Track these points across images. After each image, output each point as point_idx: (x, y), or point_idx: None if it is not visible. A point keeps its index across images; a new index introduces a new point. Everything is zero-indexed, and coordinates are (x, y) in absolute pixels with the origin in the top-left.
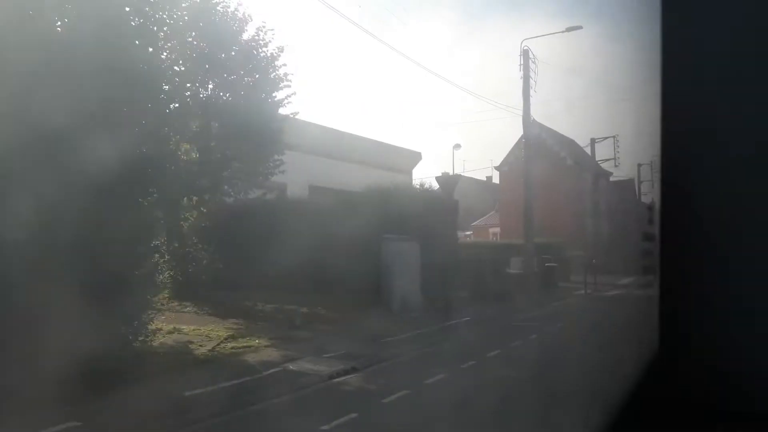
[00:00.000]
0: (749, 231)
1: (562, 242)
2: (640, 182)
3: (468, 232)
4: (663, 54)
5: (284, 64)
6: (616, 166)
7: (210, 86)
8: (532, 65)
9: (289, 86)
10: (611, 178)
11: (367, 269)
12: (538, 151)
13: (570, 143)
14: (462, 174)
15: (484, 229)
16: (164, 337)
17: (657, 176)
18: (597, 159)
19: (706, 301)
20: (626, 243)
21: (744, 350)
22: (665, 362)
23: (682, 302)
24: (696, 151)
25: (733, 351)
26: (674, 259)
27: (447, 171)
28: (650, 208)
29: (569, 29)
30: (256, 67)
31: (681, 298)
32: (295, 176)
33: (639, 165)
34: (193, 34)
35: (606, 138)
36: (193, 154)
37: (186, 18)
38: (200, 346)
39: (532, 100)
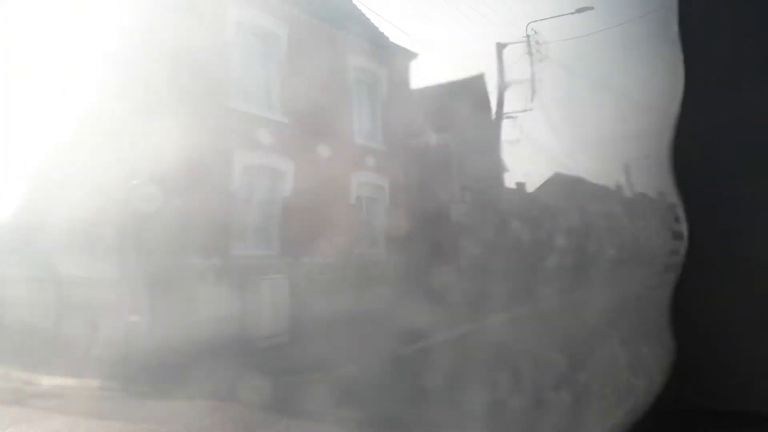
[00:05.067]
0: None
1: None
2: (504, 86)
3: None
4: None
5: None
6: None
7: None
8: None
9: None
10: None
11: None
12: None
13: None
14: None
15: None
16: None
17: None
18: None
19: (728, 301)
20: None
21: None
22: (683, 363)
23: (702, 302)
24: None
25: (758, 351)
26: (694, 256)
27: None
28: (674, 206)
29: None
30: None
31: (701, 297)
32: None
33: (500, 45)
34: None
35: None
36: None
37: None
38: None
39: None
